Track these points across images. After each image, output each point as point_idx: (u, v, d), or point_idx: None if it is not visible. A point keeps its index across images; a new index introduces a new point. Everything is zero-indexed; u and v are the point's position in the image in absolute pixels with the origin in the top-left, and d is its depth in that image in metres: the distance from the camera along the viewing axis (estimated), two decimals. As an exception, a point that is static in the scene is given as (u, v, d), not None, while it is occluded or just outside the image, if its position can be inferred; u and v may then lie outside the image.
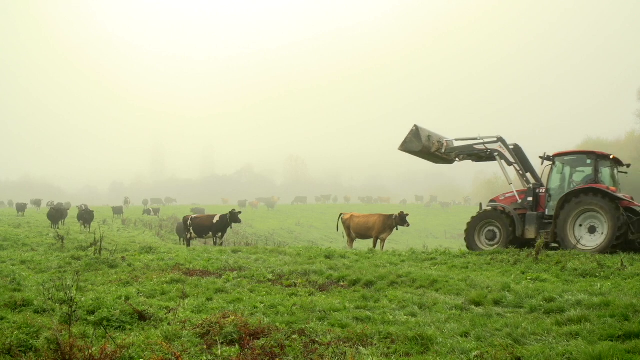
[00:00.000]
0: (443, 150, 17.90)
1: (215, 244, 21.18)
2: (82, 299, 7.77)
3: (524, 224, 15.85)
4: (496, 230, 16.32)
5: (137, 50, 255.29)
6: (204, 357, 5.68)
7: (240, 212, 21.91)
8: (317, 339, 6.22)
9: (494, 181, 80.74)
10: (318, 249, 15.96)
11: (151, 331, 6.52)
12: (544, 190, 16.16)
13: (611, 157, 15.40)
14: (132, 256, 13.86)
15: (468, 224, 16.90)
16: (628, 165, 16.22)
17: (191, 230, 21.93)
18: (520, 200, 16.46)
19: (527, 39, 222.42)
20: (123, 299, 8.15)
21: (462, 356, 5.61)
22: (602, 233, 14.24)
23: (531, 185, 16.51)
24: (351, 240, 20.64)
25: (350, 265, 12.42)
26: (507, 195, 17.00)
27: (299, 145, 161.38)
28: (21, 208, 46.45)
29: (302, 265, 12.19)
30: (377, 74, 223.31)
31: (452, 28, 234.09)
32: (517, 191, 16.77)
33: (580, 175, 15.64)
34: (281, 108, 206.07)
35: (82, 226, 32.73)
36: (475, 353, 5.61)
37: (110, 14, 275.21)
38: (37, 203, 63.41)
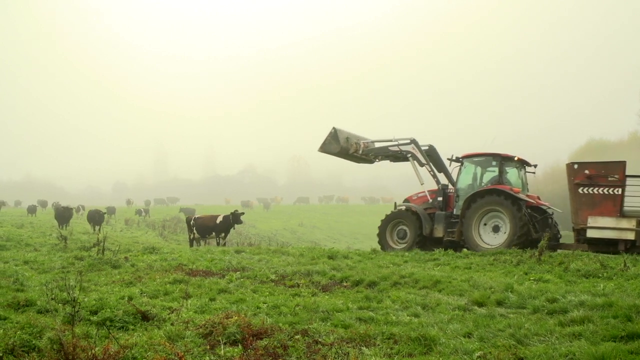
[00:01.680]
0: (360, 152, 18.45)
1: (218, 244, 21.23)
2: (85, 299, 7.78)
3: (432, 223, 16.33)
4: (406, 229, 16.84)
5: (137, 50, 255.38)
6: (207, 358, 5.69)
7: (243, 213, 21.95)
8: (320, 340, 6.22)
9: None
10: (321, 250, 15.98)
11: (154, 331, 6.52)
12: (453, 190, 16.74)
13: (516, 158, 16.03)
14: (135, 256, 13.88)
15: (382, 221, 17.38)
16: (535, 166, 16.83)
17: (194, 231, 22.01)
18: (431, 200, 17.11)
19: (528, 40, 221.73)
20: (126, 299, 8.16)
21: (465, 357, 5.60)
22: (505, 232, 14.87)
23: (441, 186, 17.10)
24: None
25: (353, 265, 12.42)
26: (420, 195, 17.67)
27: (300, 146, 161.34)
28: (32, 210, 47.18)
29: (305, 265, 12.19)
30: (377, 74, 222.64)
31: (452, 29, 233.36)
32: (428, 191, 17.43)
33: (489, 176, 16.23)
34: (282, 108, 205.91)
35: (92, 228, 32.09)
36: (478, 354, 5.61)
37: (110, 14, 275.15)
38: (42, 204, 64.84)
